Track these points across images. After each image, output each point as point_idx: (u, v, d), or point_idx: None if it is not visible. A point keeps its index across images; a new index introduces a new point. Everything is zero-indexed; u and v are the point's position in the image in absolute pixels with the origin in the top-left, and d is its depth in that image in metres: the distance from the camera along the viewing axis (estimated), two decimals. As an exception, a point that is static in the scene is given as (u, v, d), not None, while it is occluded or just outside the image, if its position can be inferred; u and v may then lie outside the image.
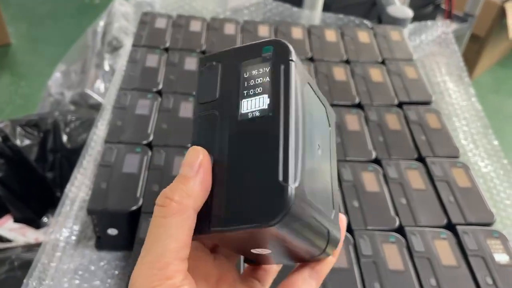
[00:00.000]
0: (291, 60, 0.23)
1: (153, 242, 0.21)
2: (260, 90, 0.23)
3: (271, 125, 0.22)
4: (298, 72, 0.24)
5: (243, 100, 0.23)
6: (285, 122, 0.22)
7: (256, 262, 0.28)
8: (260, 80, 0.24)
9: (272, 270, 0.29)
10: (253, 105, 0.23)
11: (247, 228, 0.20)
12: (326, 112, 0.28)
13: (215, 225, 0.21)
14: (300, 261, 0.27)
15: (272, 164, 0.21)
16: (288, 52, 0.24)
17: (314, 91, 0.26)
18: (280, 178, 0.20)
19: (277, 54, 0.24)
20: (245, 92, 0.24)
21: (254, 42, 0.25)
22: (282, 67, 0.23)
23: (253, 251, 0.24)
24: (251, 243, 0.23)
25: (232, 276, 0.27)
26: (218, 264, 0.27)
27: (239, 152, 0.22)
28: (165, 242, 0.21)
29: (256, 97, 0.23)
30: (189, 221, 0.21)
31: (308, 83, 0.25)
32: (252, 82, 0.24)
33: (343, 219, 0.28)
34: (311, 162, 0.23)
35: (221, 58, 0.25)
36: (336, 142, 0.63)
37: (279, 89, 0.23)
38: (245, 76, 0.24)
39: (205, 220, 0.22)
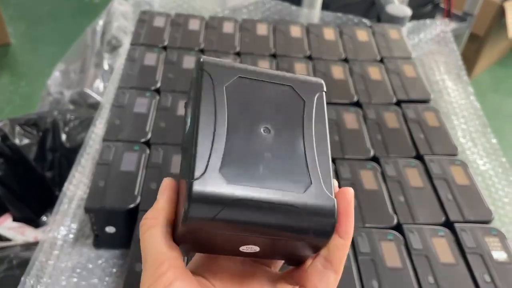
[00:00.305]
0: (201, 70, 0.26)
1: (146, 252, 0.24)
2: (192, 108, 0.26)
3: (190, 134, 0.25)
4: (213, 75, 0.26)
5: (187, 121, 0.27)
6: (195, 127, 0.24)
7: (290, 263, 0.27)
8: (193, 99, 0.26)
9: (340, 246, 0.26)
10: (188, 122, 0.26)
11: (182, 229, 0.23)
12: (294, 89, 0.27)
13: (178, 230, 0.24)
14: (313, 251, 0.25)
15: (188, 167, 0.23)
16: (201, 64, 0.26)
17: (255, 79, 0.27)
18: (189, 176, 0.23)
19: (197, 71, 0.26)
20: (189, 113, 0.27)
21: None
22: (197, 79, 0.26)
23: (241, 249, 0.24)
24: (222, 244, 0.24)
25: (259, 280, 0.27)
26: (243, 270, 0.27)
27: (181, 166, 0.26)
28: (154, 247, 0.24)
29: (190, 115, 0.26)
30: (165, 229, 0.25)
31: (240, 76, 0.26)
32: (191, 103, 0.27)
33: (347, 192, 0.25)
34: (244, 146, 0.24)
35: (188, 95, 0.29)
36: (334, 140, 0.63)
37: (194, 99, 0.26)
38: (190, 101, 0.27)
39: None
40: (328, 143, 0.26)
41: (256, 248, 0.24)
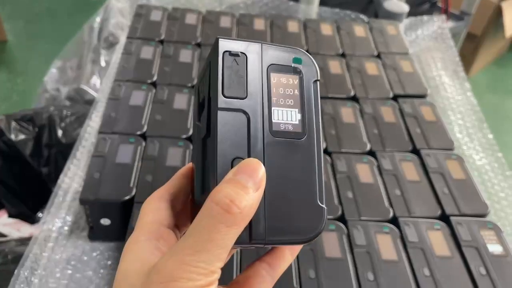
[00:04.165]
0: (317, 80, 0.24)
1: (205, 246, 0.20)
2: (290, 102, 0.24)
3: (306, 147, 0.23)
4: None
5: (274, 108, 0.23)
6: (318, 146, 0.24)
7: None
8: (290, 91, 0.24)
9: (287, 258, 0.27)
10: (284, 116, 0.23)
11: (290, 243, 0.23)
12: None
13: (256, 238, 0.22)
14: None
15: (311, 188, 0.23)
16: (316, 71, 0.25)
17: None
18: (318, 200, 0.23)
19: (306, 70, 0.24)
20: (275, 99, 0.24)
21: (284, 46, 0.25)
22: (312, 85, 0.24)
23: None
24: None
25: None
26: None
27: (277, 168, 0.23)
28: (219, 251, 0.21)
29: (287, 108, 0.24)
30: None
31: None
32: (281, 90, 0.24)
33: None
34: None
35: (247, 50, 0.24)
36: (331, 134, 0.63)
37: (310, 108, 0.24)
38: (274, 81, 0.24)
39: (245, 232, 0.22)
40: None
41: None
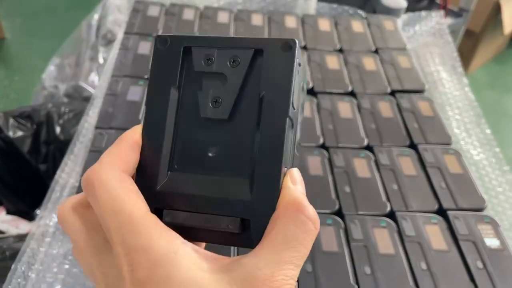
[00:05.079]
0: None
1: (301, 263, 0.21)
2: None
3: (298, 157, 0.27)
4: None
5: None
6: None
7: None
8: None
9: None
10: (298, 134, 0.27)
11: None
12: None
13: None
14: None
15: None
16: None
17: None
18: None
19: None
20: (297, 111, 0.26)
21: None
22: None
23: None
24: None
25: None
26: None
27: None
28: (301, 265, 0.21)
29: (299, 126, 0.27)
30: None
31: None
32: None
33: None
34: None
35: (302, 61, 0.25)
36: (328, 128, 0.63)
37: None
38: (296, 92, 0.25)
39: None
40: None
41: None
